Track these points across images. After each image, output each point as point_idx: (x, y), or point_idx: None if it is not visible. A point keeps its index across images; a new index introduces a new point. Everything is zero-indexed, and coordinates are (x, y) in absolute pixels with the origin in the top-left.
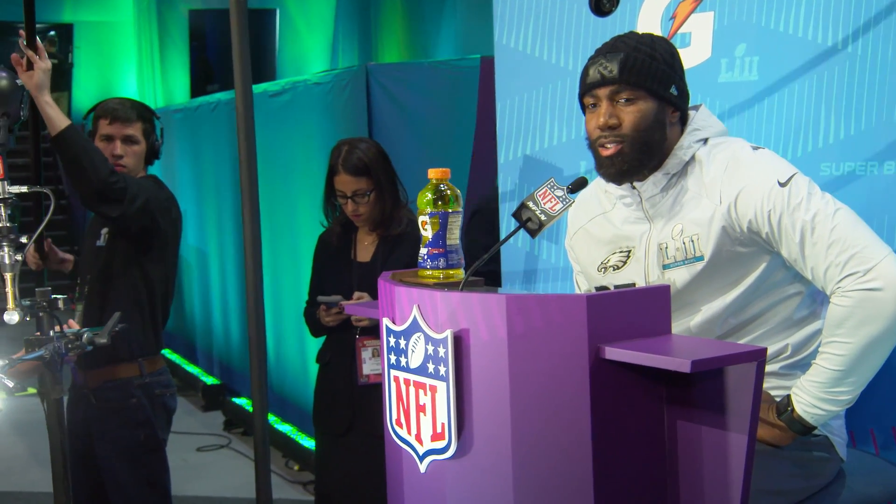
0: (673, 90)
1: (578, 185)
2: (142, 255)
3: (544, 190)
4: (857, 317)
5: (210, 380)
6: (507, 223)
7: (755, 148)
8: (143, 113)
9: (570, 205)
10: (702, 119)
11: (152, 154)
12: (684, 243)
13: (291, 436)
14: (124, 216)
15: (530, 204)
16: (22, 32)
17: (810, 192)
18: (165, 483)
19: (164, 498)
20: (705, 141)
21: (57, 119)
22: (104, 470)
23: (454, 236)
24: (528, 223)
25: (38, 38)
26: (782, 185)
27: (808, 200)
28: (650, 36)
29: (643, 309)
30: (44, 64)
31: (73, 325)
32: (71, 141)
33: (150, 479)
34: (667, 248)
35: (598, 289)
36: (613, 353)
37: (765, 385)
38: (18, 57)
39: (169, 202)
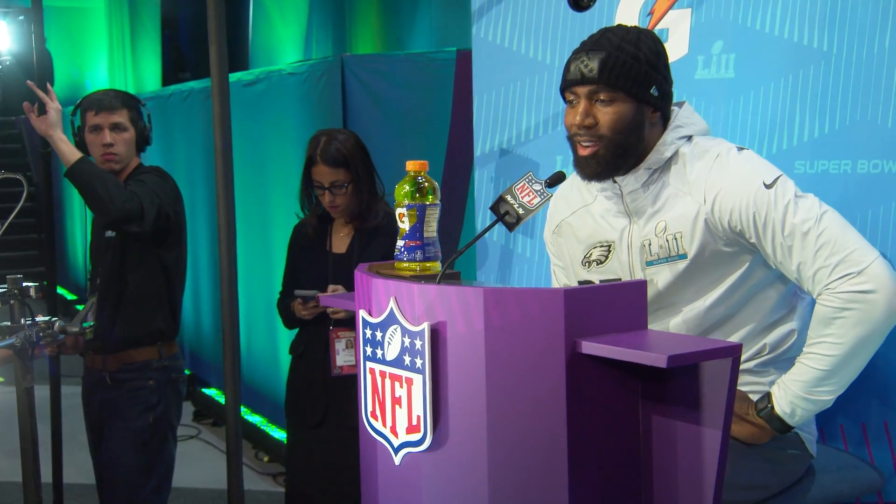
0: (654, 91)
1: (556, 179)
2: (156, 244)
3: (522, 184)
4: (848, 318)
5: None
6: (483, 216)
7: (740, 149)
8: (127, 101)
9: (548, 199)
10: (685, 116)
11: (143, 140)
12: (667, 241)
13: (262, 427)
14: (143, 231)
15: (508, 197)
16: (31, 83)
17: (796, 194)
18: (163, 474)
19: (158, 492)
20: (689, 138)
21: (70, 154)
22: (107, 450)
23: (431, 229)
24: (506, 217)
25: (48, 84)
26: (768, 186)
27: (794, 203)
28: (637, 32)
29: (620, 304)
30: (55, 105)
31: (89, 318)
32: (84, 172)
33: (148, 466)
34: (650, 244)
35: (581, 283)
36: (590, 347)
37: (739, 382)
38: (30, 105)
39: (175, 192)
